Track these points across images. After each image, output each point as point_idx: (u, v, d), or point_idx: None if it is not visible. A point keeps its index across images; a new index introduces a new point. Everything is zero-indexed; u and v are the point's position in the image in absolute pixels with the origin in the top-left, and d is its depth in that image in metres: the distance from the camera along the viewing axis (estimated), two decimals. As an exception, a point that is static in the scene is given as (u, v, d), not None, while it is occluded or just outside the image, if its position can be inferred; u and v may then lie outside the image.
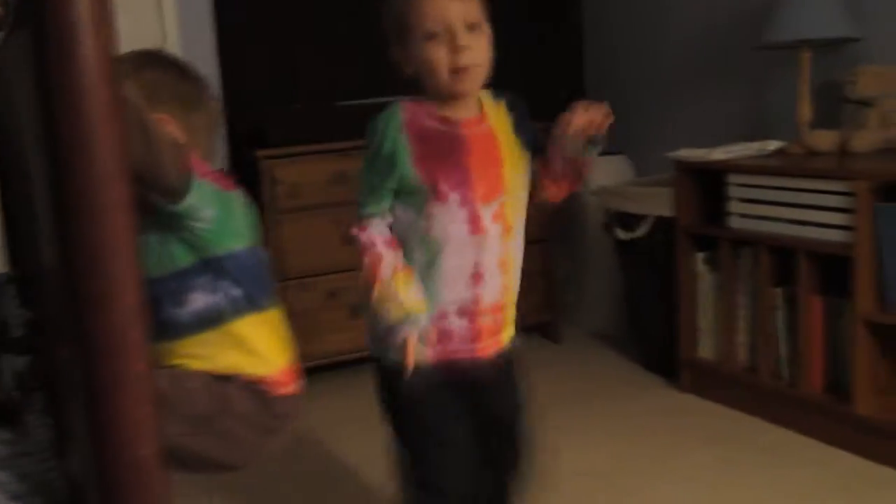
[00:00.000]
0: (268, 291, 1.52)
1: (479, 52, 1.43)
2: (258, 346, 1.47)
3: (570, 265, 3.70)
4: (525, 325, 1.68)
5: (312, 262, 3.12)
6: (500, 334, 1.58)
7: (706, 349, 2.81)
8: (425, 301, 1.48)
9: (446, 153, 1.47)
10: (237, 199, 1.48)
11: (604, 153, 1.70)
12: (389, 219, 1.50)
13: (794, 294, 2.50)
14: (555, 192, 1.56)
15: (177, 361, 1.44)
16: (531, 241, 1.66)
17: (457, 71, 1.42)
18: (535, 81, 3.60)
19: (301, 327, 3.05)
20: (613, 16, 3.77)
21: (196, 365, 1.44)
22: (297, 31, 3.48)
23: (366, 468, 2.44)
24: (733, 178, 2.64)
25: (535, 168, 1.56)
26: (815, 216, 2.40)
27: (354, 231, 1.49)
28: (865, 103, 2.61)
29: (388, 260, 1.46)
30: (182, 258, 1.39)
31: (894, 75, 2.60)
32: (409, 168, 1.44)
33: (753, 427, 2.59)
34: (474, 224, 1.48)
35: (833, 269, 2.39)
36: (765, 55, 2.97)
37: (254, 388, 1.46)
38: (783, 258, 2.53)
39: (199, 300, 1.41)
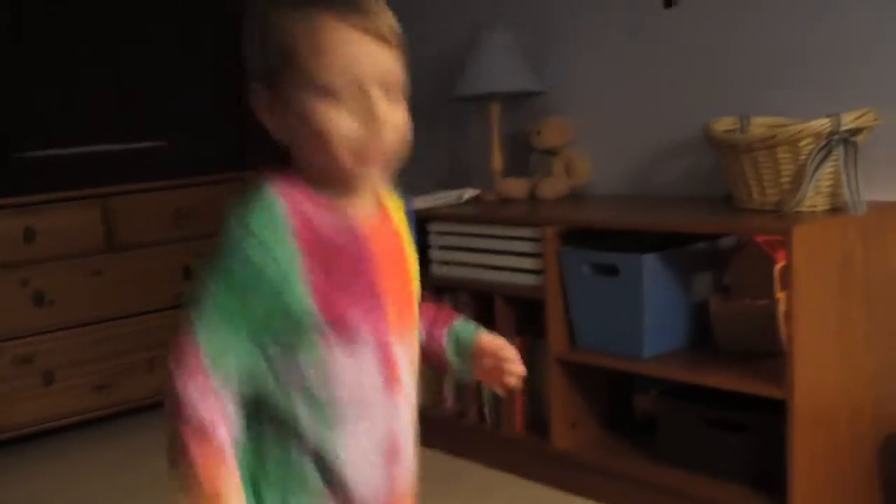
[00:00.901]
0: None
1: (397, 127, 0.98)
2: None
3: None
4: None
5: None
6: None
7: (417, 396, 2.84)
8: None
9: (351, 268, 0.99)
10: None
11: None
12: (236, 370, 0.96)
13: (493, 337, 2.58)
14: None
15: None
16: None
17: (366, 154, 0.96)
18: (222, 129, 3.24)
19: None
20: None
21: None
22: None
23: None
24: (433, 227, 2.70)
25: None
26: (510, 261, 2.50)
27: (180, 384, 0.92)
28: (550, 152, 2.78)
29: (230, 464, 0.93)
30: None
31: (574, 126, 2.78)
32: (302, 294, 0.95)
33: (464, 470, 2.62)
34: (389, 372, 1.02)
35: (528, 311, 2.50)
36: (460, 107, 3.09)
37: None
38: (483, 303, 2.61)
39: None
